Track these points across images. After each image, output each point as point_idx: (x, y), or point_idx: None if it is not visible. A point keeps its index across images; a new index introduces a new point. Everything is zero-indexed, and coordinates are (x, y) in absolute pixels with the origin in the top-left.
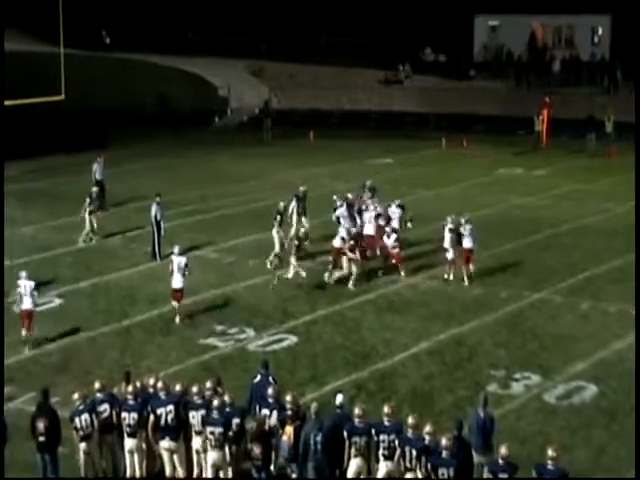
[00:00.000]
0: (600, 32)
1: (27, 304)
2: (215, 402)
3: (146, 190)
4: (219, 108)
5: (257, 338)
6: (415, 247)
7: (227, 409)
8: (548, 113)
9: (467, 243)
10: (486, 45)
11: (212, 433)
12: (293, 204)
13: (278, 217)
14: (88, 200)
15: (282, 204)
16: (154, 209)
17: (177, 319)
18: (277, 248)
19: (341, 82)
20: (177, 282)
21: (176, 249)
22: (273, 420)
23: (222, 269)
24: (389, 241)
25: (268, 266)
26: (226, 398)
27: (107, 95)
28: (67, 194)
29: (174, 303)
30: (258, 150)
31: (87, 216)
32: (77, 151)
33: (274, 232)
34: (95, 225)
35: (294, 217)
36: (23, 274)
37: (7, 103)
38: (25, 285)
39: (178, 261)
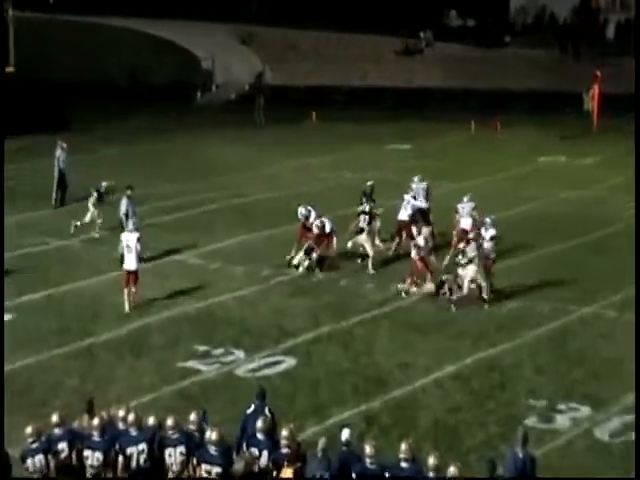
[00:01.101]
0: None
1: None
2: (213, 435)
3: (114, 182)
4: (202, 83)
5: (248, 361)
6: (437, 252)
7: (212, 447)
8: (599, 89)
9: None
10: (524, 6)
11: (208, 473)
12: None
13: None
14: (95, 194)
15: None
16: (124, 204)
17: (126, 307)
18: (370, 252)
19: (349, 52)
20: (130, 264)
21: (130, 224)
22: (264, 461)
23: (206, 277)
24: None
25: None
26: (214, 435)
27: (65, 66)
28: (18, 186)
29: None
30: (249, 134)
31: (92, 208)
32: (30, 133)
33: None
34: (88, 220)
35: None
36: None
37: None
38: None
39: (127, 238)
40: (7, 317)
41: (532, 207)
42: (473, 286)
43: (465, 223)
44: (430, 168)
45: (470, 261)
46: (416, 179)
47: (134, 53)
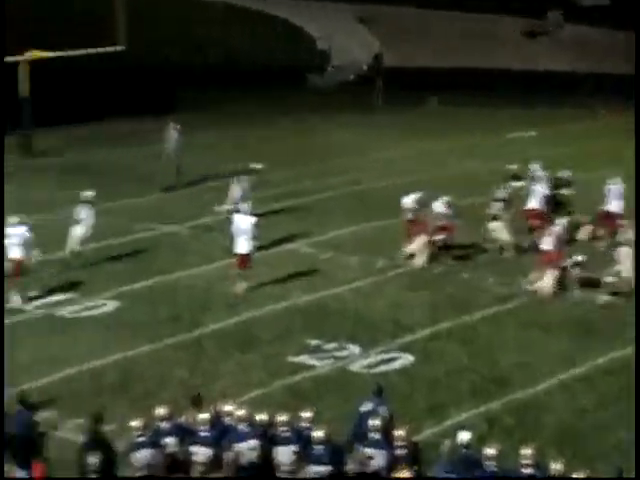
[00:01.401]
0: None
1: (16, 253)
2: (318, 434)
3: (225, 167)
4: (317, 64)
5: (362, 356)
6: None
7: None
8: None
9: None
10: None
11: (316, 473)
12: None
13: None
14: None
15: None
16: (236, 191)
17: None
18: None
19: (472, 33)
20: (242, 247)
21: (245, 207)
22: (379, 462)
23: (318, 267)
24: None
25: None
26: (320, 433)
27: (176, 46)
28: (124, 169)
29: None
30: (366, 118)
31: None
32: (136, 115)
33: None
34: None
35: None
36: (16, 219)
37: (46, 55)
38: (17, 234)
39: (240, 221)
40: (115, 305)
41: None
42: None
43: (615, 206)
44: (558, 157)
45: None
46: (538, 166)
47: (248, 33)
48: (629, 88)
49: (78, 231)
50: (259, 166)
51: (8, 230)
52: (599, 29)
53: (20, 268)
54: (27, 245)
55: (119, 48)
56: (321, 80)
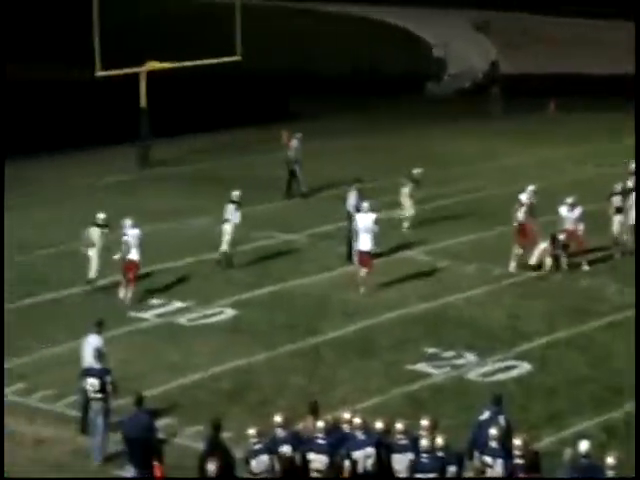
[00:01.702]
0: None
1: (134, 255)
2: (423, 442)
3: (341, 174)
4: (434, 72)
5: (479, 365)
6: None
7: (439, 453)
8: None
9: None
10: None
11: None
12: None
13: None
14: (411, 184)
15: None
16: (352, 198)
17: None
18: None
19: (591, 38)
20: (365, 244)
21: (365, 206)
22: (497, 471)
23: (435, 275)
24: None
25: None
26: (439, 440)
27: (291, 56)
28: (243, 178)
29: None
30: (483, 125)
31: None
32: (252, 124)
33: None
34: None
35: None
36: (128, 222)
37: (164, 66)
38: (133, 235)
39: (363, 220)
40: (232, 312)
41: None
42: None
43: None
44: None
45: None
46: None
47: (363, 41)
48: None
49: (228, 229)
50: (418, 170)
51: (125, 231)
52: None
53: (137, 270)
54: (141, 247)
55: (236, 58)
56: (438, 88)
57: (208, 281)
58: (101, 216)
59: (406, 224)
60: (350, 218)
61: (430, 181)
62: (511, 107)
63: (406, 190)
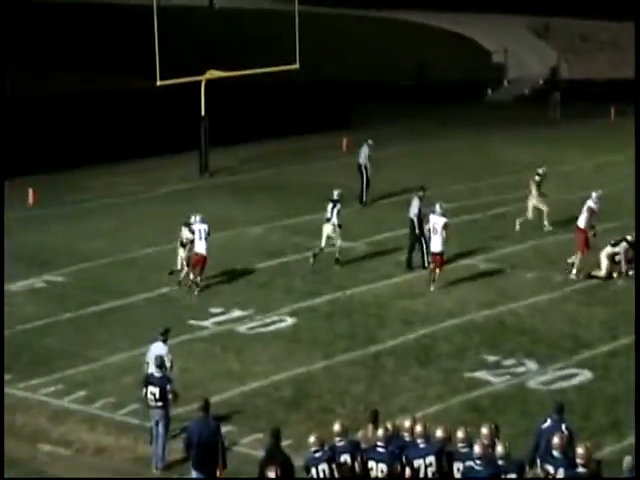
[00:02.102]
0: None
1: (201, 248)
2: (476, 449)
3: (401, 182)
4: (493, 78)
5: (540, 373)
6: None
7: (500, 462)
8: None
9: None
10: None
11: None
12: None
13: None
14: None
15: None
16: (415, 205)
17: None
18: None
19: None
20: (436, 246)
21: (438, 207)
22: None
23: (496, 283)
24: None
25: None
26: (499, 448)
27: (350, 63)
28: (301, 186)
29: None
30: (542, 131)
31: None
32: (312, 132)
33: None
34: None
35: None
36: (198, 217)
37: (224, 74)
38: (200, 229)
39: (434, 221)
40: (292, 321)
41: None
42: None
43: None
44: None
45: None
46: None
47: (422, 48)
48: None
49: (328, 229)
50: (543, 169)
51: (194, 226)
52: None
53: (204, 263)
54: (207, 242)
55: (295, 67)
56: (498, 94)
57: (267, 289)
58: (193, 217)
59: (546, 222)
60: (412, 226)
61: (489, 188)
62: (571, 113)
63: (533, 191)
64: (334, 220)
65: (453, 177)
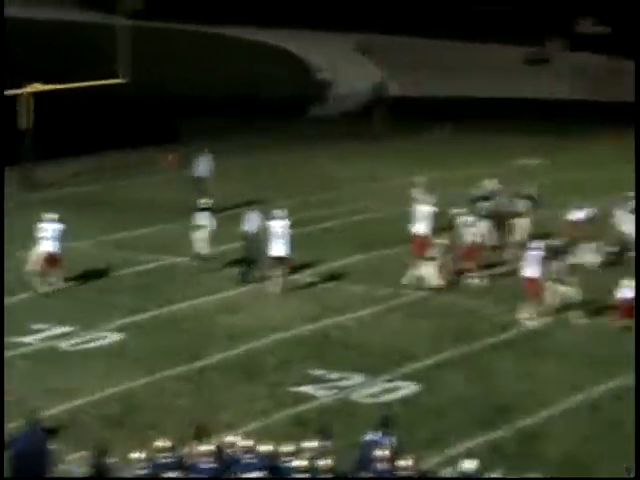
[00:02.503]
0: None
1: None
2: (300, 463)
3: (232, 196)
4: (319, 94)
5: (366, 386)
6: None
7: (327, 475)
8: None
9: None
10: None
11: None
12: None
13: None
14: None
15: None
16: (252, 220)
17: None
18: None
19: (474, 61)
20: (279, 250)
21: (280, 212)
22: None
23: (321, 297)
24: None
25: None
26: (325, 462)
27: (178, 78)
28: (129, 201)
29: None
30: (368, 147)
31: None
32: (139, 146)
33: None
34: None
35: None
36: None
37: (48, 87)
38: (49, 228)
39: (276, 225)
40: (118, 336)
41: None
42: None
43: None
44: (565, 184)
45: None
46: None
47: (249, 64)
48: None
49: (200, 235)
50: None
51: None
52: (601, 56)
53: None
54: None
55: (121, 80)
56: (324, 110)
57: (92, 305)
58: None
59: None
60: (248, 239)
61: (318, 202)
62: (396, 129)
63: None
64: (211, 227)
65: (282, 192)
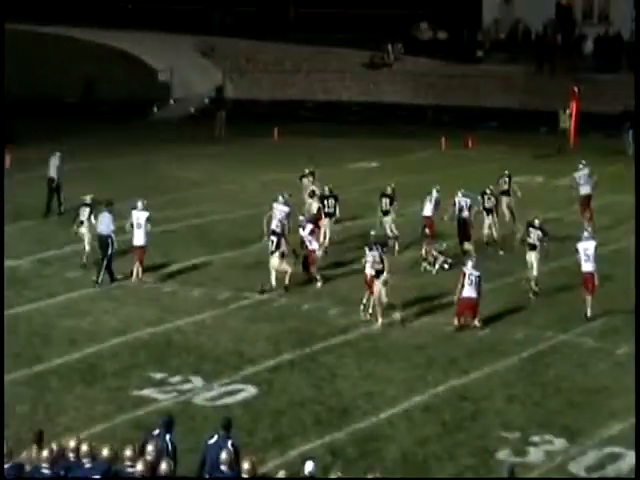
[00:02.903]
0: None
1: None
2: (139, 467)
3: (70, 199)
4: (159, 97)
5: (206, 389)
6: (410, 277)
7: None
8: (577, 106)
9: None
10: (498, 19)
11: None
12: None
13: None
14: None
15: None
16: (106, 220)
17: (133, 279)
18: None
19: (314, 65)
20: (139, 239)
21: (140, 204)
22: None
23: (162, 301)
24: (304, 233)
25: None
26: (164, 466)
27: (14, 79)
28: None
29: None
30: (208, 150)
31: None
32: None
33: None
34: None
35: None
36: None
37: None
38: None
39: (137, 216)
40: None
41: (507, 230)
42: None
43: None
44: (399, 186)
45: None
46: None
47: (88, 65)
48: (470, 119)
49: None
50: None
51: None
52: (437, 61)
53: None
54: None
55: None
56: (164, 113)
57: None
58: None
59: None
60: (105, 241)
61: (156, 206)
62: (236, 132)
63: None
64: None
65: (123, 195)
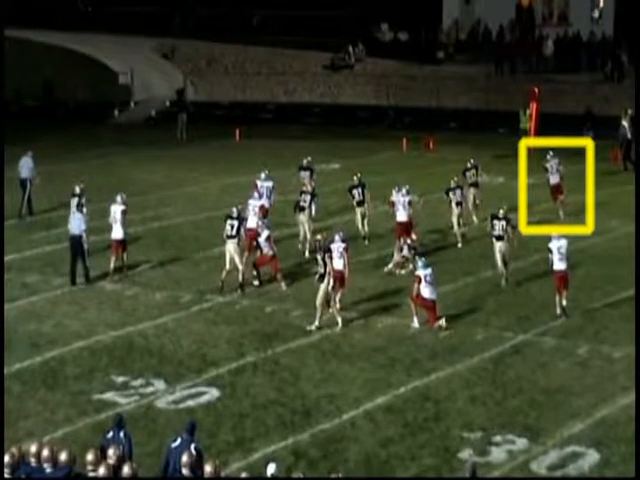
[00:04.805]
0: (601, 5)
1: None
2: (102, 470)
3: (35, 202)
4: (120, 99)
5: (168, 392)
6: (371, 277)
7: None
8: (537, 107)
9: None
10: (458, 20)
11: None
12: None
13: None
14: None
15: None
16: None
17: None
18: None
19: (275, 67)
20: (117, 233)
21: (119, 198)
22: None
23: (123, 304)
24: (261, 239)
25: None
26: (126, 469)
27: None
28: None
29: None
30: (169, 153)
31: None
32: None
33: None
34: None
35: None
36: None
37: None
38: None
39: (115, 210)
40: None
41: (468, 230)
42: None
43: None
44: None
45: None
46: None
47: (48, 68)
48: (430, 120)
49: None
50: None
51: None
52: (398, 62)
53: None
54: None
55: None
56: (125, 115)
57: None
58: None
59: None
60: (76, 241)
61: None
62: (198, 134)
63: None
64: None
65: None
